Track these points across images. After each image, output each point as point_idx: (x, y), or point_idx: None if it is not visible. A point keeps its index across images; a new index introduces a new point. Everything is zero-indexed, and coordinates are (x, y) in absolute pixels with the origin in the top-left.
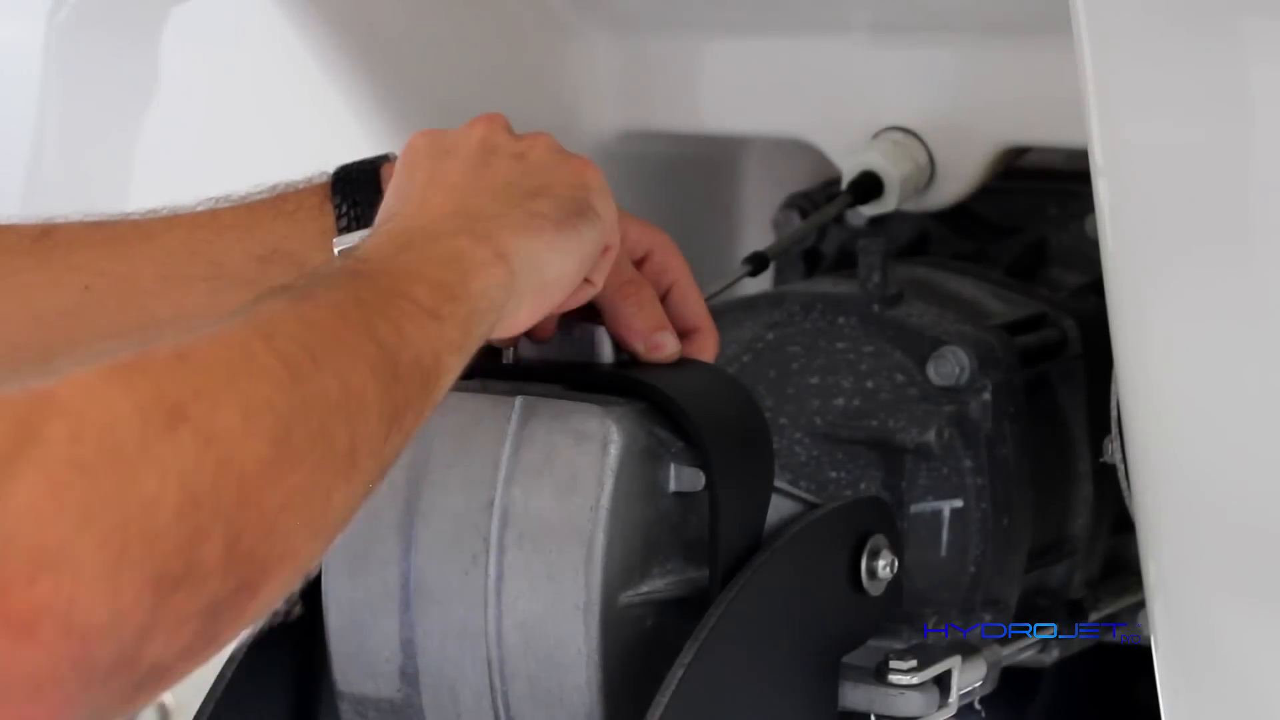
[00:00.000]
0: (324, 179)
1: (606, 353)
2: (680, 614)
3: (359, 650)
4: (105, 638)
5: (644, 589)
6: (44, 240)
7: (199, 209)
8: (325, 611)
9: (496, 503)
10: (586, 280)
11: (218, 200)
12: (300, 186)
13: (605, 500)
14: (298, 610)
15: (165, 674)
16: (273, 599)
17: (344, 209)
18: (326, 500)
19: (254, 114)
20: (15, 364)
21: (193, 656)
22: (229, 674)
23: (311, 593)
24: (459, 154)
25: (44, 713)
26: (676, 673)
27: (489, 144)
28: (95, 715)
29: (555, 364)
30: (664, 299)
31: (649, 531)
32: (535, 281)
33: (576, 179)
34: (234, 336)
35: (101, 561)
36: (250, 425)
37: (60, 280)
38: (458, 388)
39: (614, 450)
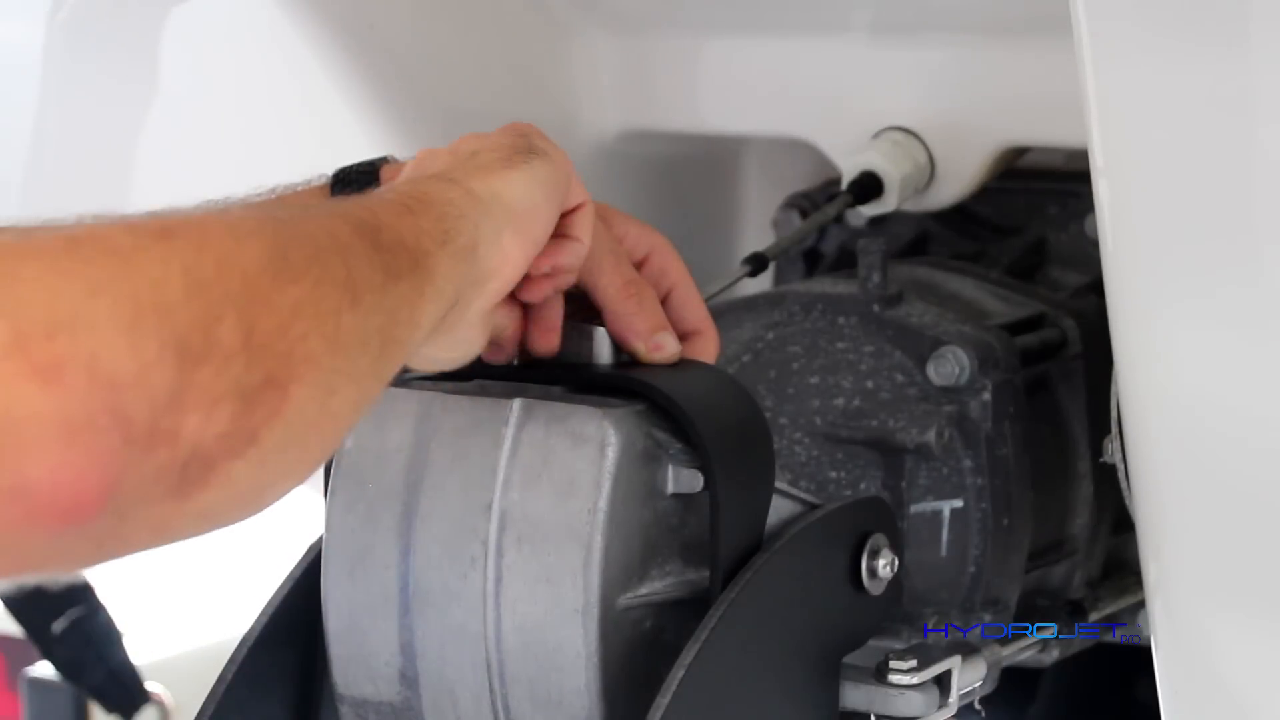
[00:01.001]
0: (323, 181)
1: (606, 353)
2: (680, 615)
3: (358, 653)
4: (135, 391)
5: (643, 591)
6: None
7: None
8: (324, 614)
9: (495, 506)
10: (573, 238)
11: (217, 202)
12: (299, 188)
13: (603, 503)
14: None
15: (211, 466)
16: (304, 410)
17: None
18: (336, 318)
19: (254, 113)
20: None
21: (235, 449)
22: (229, 675)
23: (312, 592)
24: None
25: (88, 459)
26: (677, 674)
27: (451, 149)
28: (147, 497)
29: (554, 365)
30: (664, 301)
31: (648, 533)
32: (506, 212)
33: (512, 130)
34: (211, 215)
35: (117, 322)
36: (241, 241)
37: None
38: (456, 390)
39: (612, 453)
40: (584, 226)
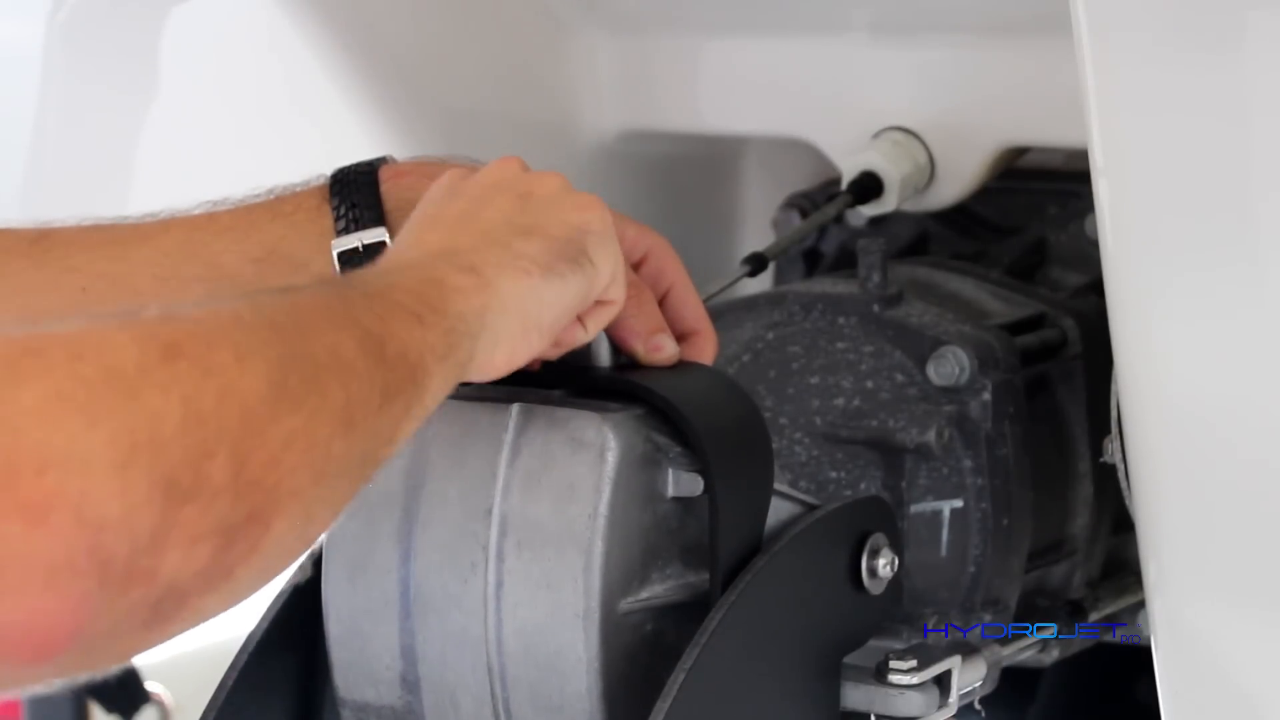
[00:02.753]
0: (322, 181)
1: (605, 356)
2: (680, 618)
3: (360, 657)
4: (118, 532)
5: (643, 595)
6: (41, 243)
7: (196, 211)
8: (325, 619)
9: (495, 510)
10: (581, 325)
11: (215, 203)
12: (298, 189)
13: (603, 508)
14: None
15: (183, 601)
16: (285, 540)
17: (342, 211)
18: (327, 448)
19: (254, 113)
20: None
21: (209, 586)
22: (231, 680)
23: (313, 597)
24: (465, 195)
25: (62, 603)
26: (677, 678)
27: (495, 182)
28: (117, 633)
29: (552, 367)
30: (661, 302)
31: (648, 537)
32: (512, 324)
33: (577, 220)
34: (222, 307)
35: (110, 459)
36: (245, 365)
37: (57, 282)
38: (454, 394)
39: (611, 458)
40: (598, 321)
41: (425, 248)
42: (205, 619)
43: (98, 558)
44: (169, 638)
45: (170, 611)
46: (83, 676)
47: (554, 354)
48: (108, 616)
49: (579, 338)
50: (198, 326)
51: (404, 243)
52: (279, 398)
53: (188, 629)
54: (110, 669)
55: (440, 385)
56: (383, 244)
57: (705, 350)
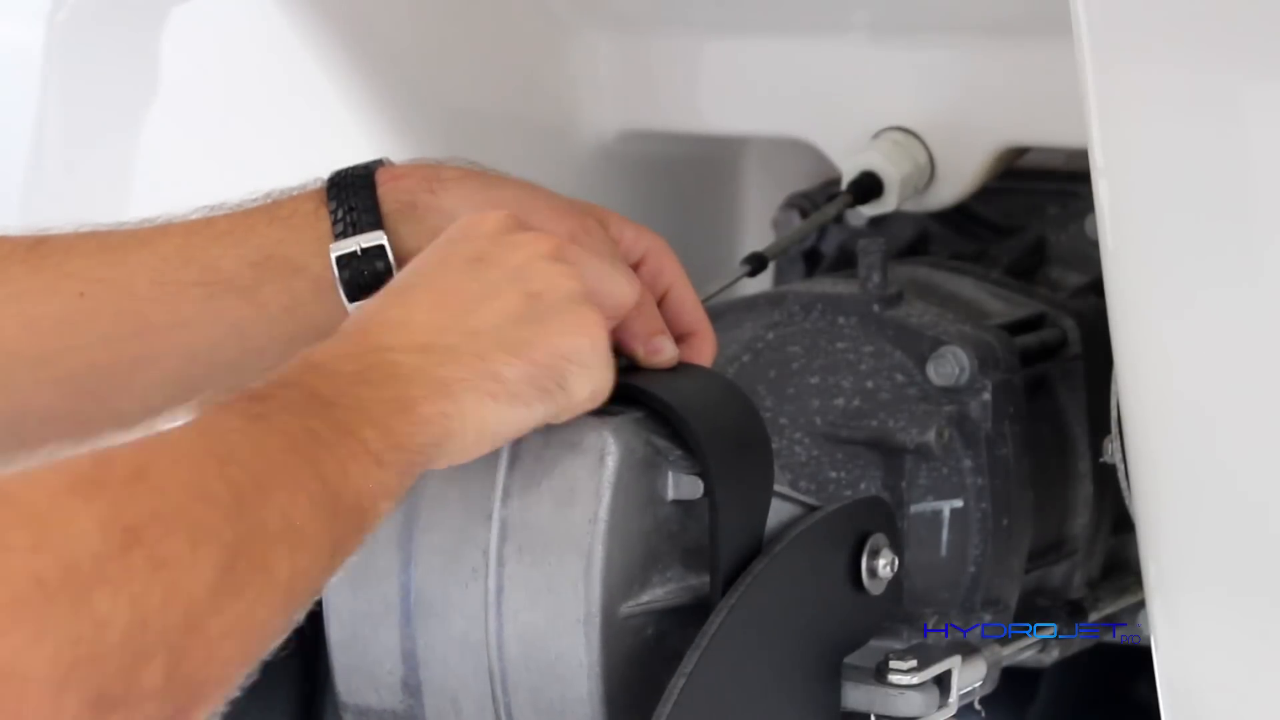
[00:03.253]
0: (319, 185)
1: None
2: (681, 621)
3: (361, 662)
4: None
5: (644, 599)
6: (38, 249)
7: (193, 216)
8: (326, 624)
9: (495, 515)
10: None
11: (212, 208)
12: (295, 193)
13: (604, 512)
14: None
15: None
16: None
17: (339, 215)
18: (263, 630)
19: (253, 113)
20: (10, 370)
21: None
22: None
23: (314, 603)
24: (483, 269)
25: None
26: (678, 682)
27: (518, 268)
28: None
29: None
30: (660, 303)
31: (648, 541)
32: (471, 438)
33: (567, 346)
34: (191, 457)
35: (47, 678)
36: (198, 553)
37: (54, 287)
38: None
39: (611, 462)
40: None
41: (410, 333)
42: None
43: None
44: None
45: None
46: None
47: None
48: None
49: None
50: (161, 500)
51: (403, 295)
52: (225, 586)
53: None
54: None
55: (384, 518)
56: (381, 247)
57: (704, 351)
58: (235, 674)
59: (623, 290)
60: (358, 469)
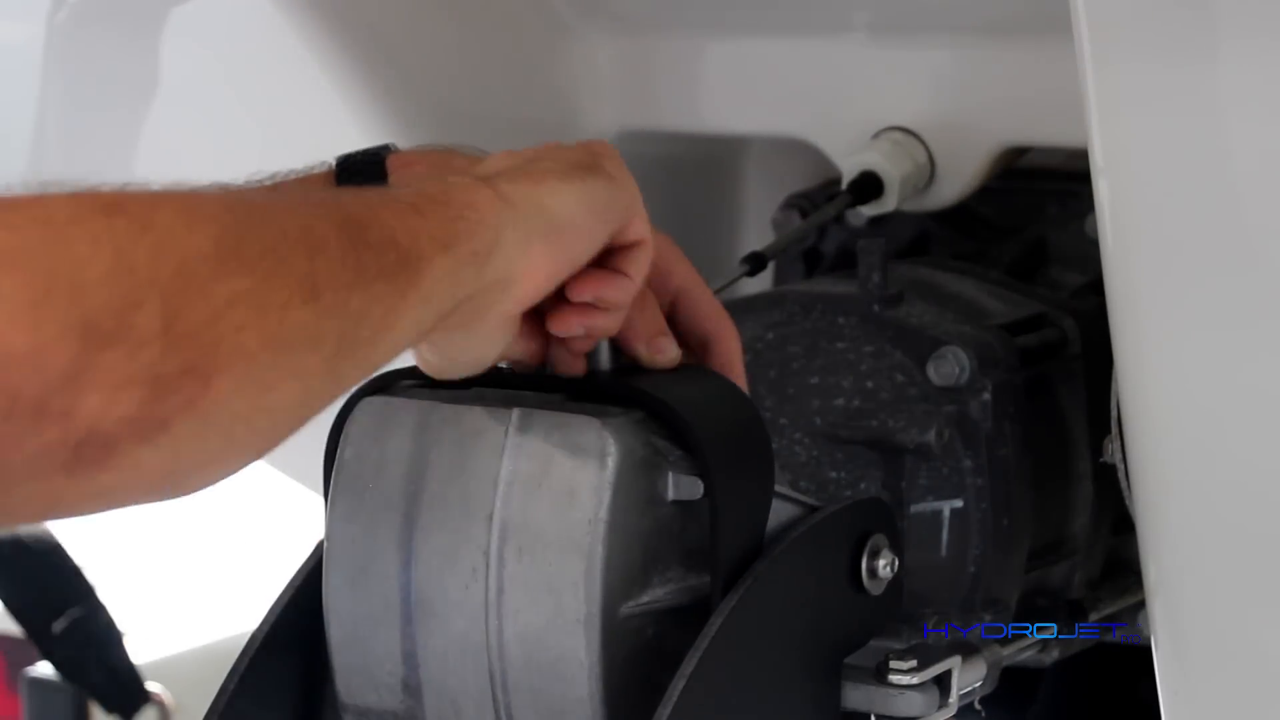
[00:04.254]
0: (326, 168)
1: (605, 359)
2: (681, 622)
3: (361, 663)
4: (26, 369)
5: (644, 599)
6: None
7: None
8: (326, 624)
9: (495, 516)
10: (624, 274)
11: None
12: (302, 174)
13: (604, 513)
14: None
15: (110, 447)
16: (229, 403)
17: None
18: (282, 313)
19: (253, 114)
20: None
21: (140, 434)
22: (232, 685)
23: (314, 600)
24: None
25: None
26: (678, 683)
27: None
28: (34, 472)
29: (553, 371)
30: (674, 304)
31: (648, 541)
32: (541, 222)
33: (584, 148)
34: (187, 192)
35: (21, 299)
36: (192, 226)
37: None
38: (454, 399)
39: (612, 463)
40: (637, 264)
41: (413, 187)
42: (148, 475)
43: (4, 393)
44: (107, 492)
45: (96, 457)
46: (6, 522)
47: (603, 325)
48: (20, 452)
49: (625, 287)
50: (146, 192)
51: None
52: (226, 258)
53: (130, 484)
54: (39, 519)
55: (447, 273)
56: None
57: (730, 355)
58: (258, 352)
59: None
60: (390, 212)
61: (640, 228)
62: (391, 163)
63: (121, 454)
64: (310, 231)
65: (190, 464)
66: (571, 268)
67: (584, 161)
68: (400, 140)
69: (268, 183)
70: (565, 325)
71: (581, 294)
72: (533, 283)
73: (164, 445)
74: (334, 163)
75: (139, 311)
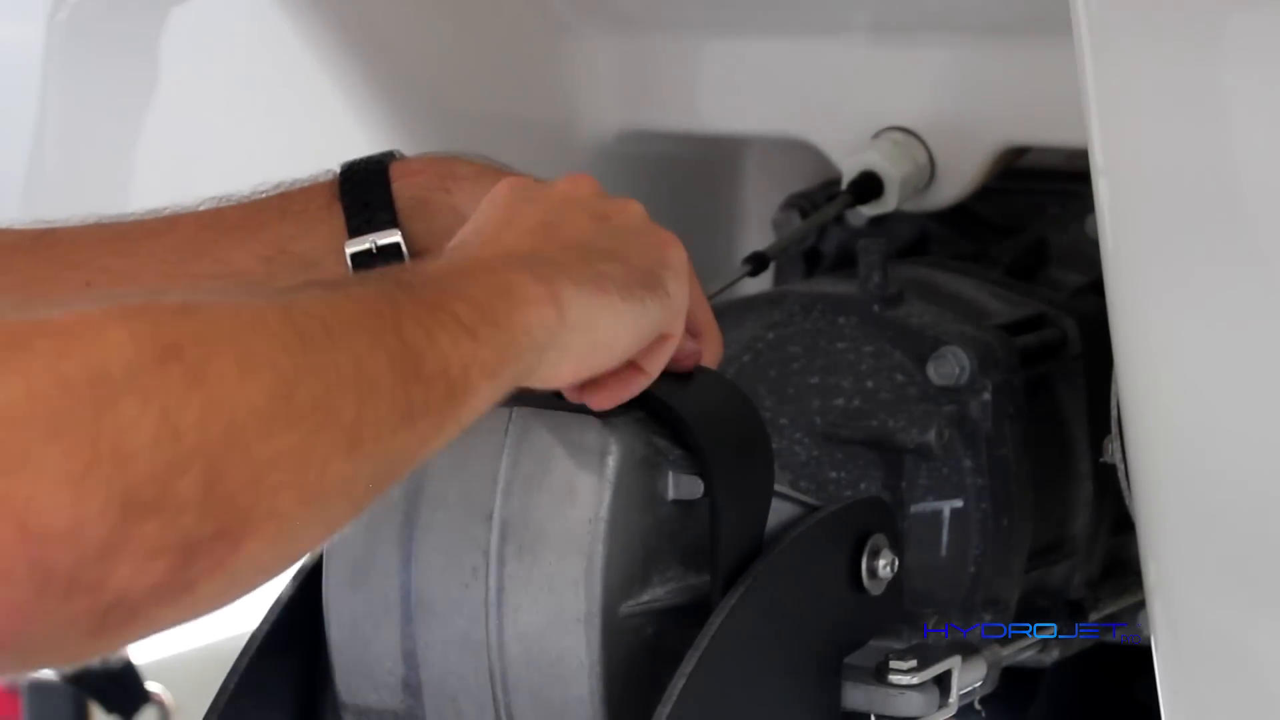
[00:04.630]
0: (330, 177)
1: None
2: (681, 621)
3: (361, 662)
4: (64, 545)
5: (644, 598)
6: (44, 239)
7: (202, 208)
8: (326, 623)
9: (495, 515)
10: (639, 369)
11: (220, 200)
12: (306, 185)
13: (604, 512)
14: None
15: (135, 612)
16: (257, 559)
17: (354, 211)
18: (323, 468)
19: (253, 113)
20: None
21: (165, 599)
22: (232, 684)
23: (314, 600)
24: (540, 203)
25: None
26: (678, 682)
27: (571, 199)
28: (58, 640)
29: None
30: None
31: (648, 541)
32: (585, 339)
33: (656, 253)
34: (250, 302)
35: (66, 470)
36: (246, 377)
37: (60, 277)
38: None
39: (612, 462)
40: (659, 359)
41: (501, 248)
42: (163, 629)
43: (39, 569)
44: (121, 645)
45: (120, 621)
46: (24, 675)
47: (621, 389)
48: (46, 623)
49: (639, 384)
50: (208, 327)
51: (477, 240)
52: (275, 413)
53: (144, 637)
54: (56, 668)
55: (486, 400)
56: (396, 245)
57: (709, 354)
58: (291, 510)
59: None
60: (446, 337)
61: (676, 325)
62: (394, 170)
63: (144, 616)
64: (363, 368)
65: (205, 611)
66: (592, 375)
67: (651, 274)
68: (400, 139)
69: (272, 193)
70: (571, 396)
71: (601, 405)
72: (550, 384)
73: (185, 604)
74: (338, 170)
75: (182, 478)
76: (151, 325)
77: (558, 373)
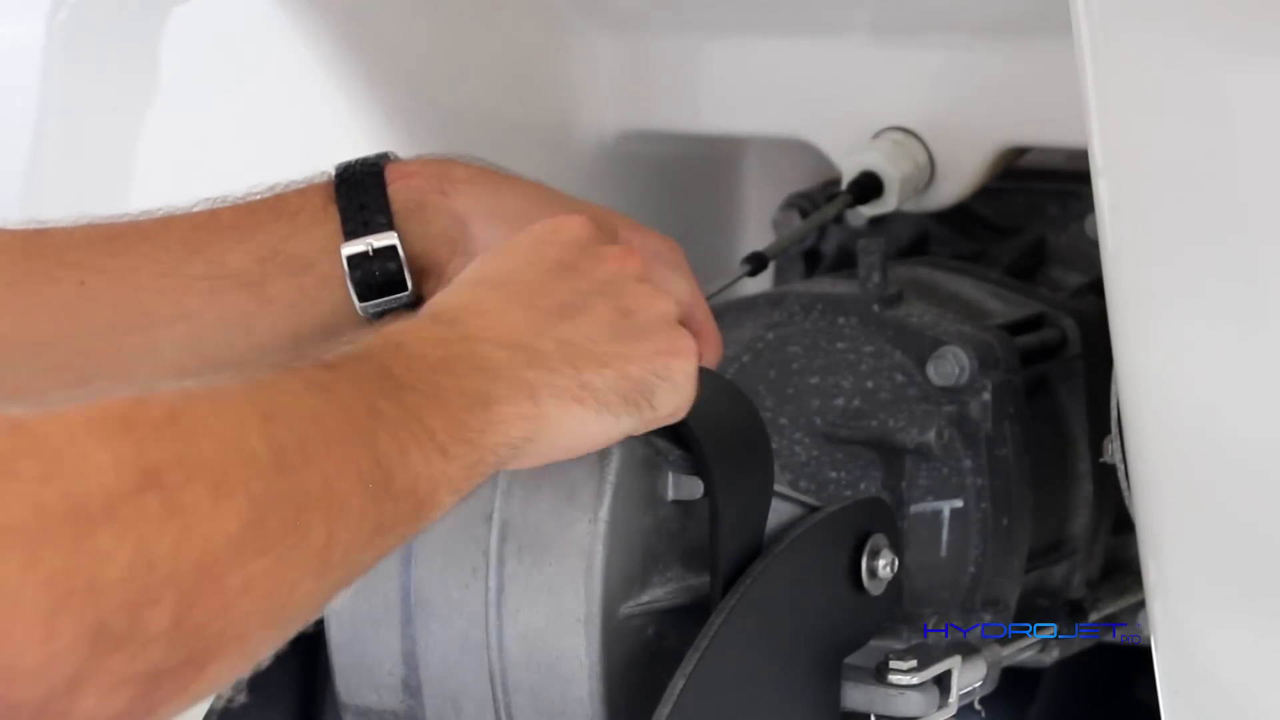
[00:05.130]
0: (325, 179)
1: None
2: (681, 622)
3: (361, 662)
4: (32, 681)
5: (644, 599)
6: (37, 239)
7: (196, 209)
8: (326, 624)
9: (495, 515)
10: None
11: (215, 201)
12: (301, 186)
13: (604, 513)
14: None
15: None
16: (218, 679)
17: (350, 213)
18: (291, 591)
19: (253, 113)
20: (8, 356)
21: None
22: (231, 685)
23: None
24: (576, 278)
25: None
26: (678, 683)
27: (611, 278)
28: None
29: None
30: None
31: (648, 541)
32: (549, 445)
33: (660, 360)
34: (234, 411)
35: (40, 603)
36: (220, 505)
37: (53, 275)
38: None
39: (612, 462)
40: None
41: (498, 329)
42: None
43: (5, 707)
44: None
45: None
46: None
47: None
48: None
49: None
50: (188, 448)
51: (490, 291)
52: (248, 540)
53: None
54: None
55: (445, 510)
56: (392, 248)
57: (709, 355)
58: (257, 632)
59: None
60: (419, 454)
61: (666, 420)
62: (390, 173)
63: None
64: (333, 489)
65: None
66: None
67: (642, 384)
68: (400, 139)
69: (267, 194)
70: None
71: None
72: (513, 467)
73: None
74: (333, 173)
75: (153, 610)
76: (134, 447)
77: (519, 465)
